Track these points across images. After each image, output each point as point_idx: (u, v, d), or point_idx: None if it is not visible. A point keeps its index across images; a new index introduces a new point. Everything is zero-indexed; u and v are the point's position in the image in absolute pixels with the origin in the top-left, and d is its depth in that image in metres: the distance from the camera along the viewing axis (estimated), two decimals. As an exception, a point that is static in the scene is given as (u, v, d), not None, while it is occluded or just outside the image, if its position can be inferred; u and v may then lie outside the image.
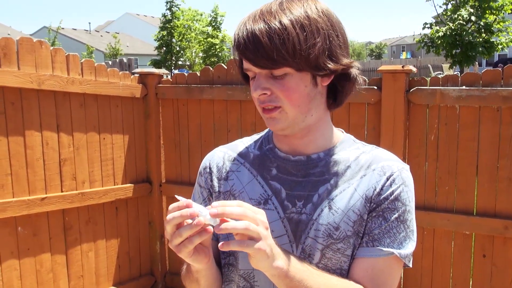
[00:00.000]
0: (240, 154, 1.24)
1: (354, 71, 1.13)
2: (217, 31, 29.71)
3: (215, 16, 29.99)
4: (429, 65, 25.00)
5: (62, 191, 3.34)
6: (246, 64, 1.08)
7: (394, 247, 1.09)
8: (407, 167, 1.15)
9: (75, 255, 3.49)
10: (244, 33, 1.03)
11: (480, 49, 18.57)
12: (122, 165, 3.81)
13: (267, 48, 1.01)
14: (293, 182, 1.15)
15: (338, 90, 1.15)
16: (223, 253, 1.18)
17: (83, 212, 3.52)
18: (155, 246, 4.12)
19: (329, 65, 1.06)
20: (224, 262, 1.20)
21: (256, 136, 1.29)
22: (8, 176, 3.05)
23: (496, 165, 2.93)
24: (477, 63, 21.32)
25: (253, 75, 1.09)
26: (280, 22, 1.02)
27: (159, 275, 4.16)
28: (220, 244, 0.92)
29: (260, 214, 0.95)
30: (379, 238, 1.09)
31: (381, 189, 1.11)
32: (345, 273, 1.11)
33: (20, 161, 3.10)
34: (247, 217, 0.92)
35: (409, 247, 1.11)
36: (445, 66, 22.53)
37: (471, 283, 3.08)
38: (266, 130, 1.28)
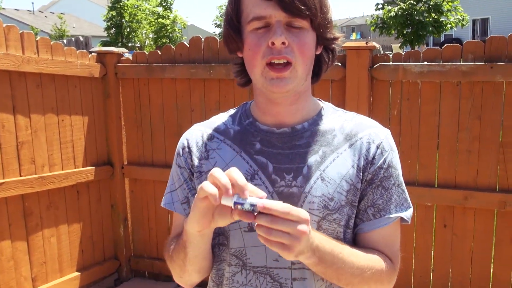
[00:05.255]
0: (219, 131, 1.21)
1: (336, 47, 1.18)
2: (168, 12, 29.06)
3: (165, -4, 29.32)
4: (379, 46, 25.52)
5: (20, 176, 3.21)
6: (264, 10, 1.04)
7: (398, 211, 1.15)
8: (389, 131, 1.20)
9: (37, 241, 3.38)
10: None
11: (430, 28, 19.08)
12: (82, 148, 3.69)
13: None
14: (279, 155, 1.13)
15: (322, 61, 1.18)
16: (213, 233, 1.14)
17: (43, 197, 3.40)
18: (118, 229, 4.04)
19: (335, 33, 1.14)
20: (214, 242, 1.17)
21: (232, 111, 1.26)
22: (-38, 161, 2.90)
23: (456, 138, 3.04)
24: (425, 42, 21.87)
25: (264, 25, 1.06)
26: None
27: (123, 259, 4.09)
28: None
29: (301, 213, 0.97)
30: (385, 207, 1.14)
31: (373, 158, 1.14)
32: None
33: (-25, 145, 2.95)
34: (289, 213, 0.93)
35: (410, 207, 1.19)
36: (395, 46, 22.97)
37: (433, 252, 3.20)
38: (241, 105, 1.26)
